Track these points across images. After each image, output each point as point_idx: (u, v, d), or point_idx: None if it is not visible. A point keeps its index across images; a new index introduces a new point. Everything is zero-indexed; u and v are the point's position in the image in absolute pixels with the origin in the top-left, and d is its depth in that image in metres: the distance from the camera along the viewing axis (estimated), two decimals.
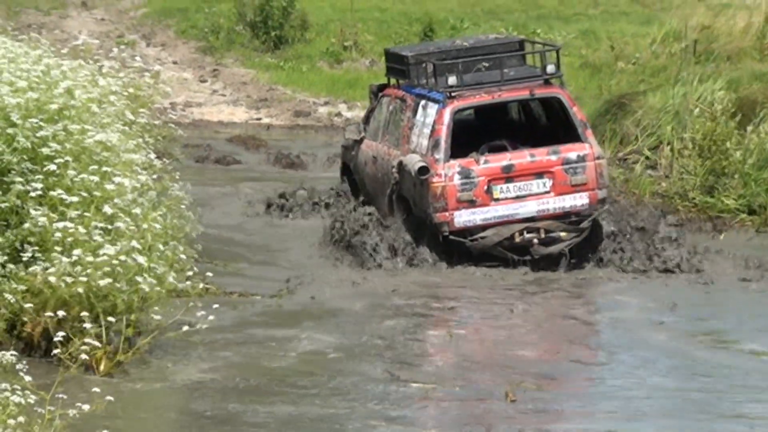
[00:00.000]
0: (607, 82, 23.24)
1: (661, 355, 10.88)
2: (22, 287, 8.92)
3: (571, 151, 13.27)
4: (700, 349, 11.20)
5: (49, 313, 8.86)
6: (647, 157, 17.27)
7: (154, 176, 11.62)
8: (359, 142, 14.91)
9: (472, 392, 9.79)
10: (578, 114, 13.48)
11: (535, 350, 11.29)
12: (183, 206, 10.16)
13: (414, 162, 13.06)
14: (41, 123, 9.27)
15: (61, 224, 8.93)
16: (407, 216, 13.43)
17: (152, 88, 12.69)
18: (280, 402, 9.18)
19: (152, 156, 12.22)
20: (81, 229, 8.84)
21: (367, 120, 15.11)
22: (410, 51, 14.62)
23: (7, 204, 9.08)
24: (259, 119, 22.51)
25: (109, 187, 9.11)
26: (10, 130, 9.06)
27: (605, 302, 12.83)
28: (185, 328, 9.33)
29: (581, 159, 13.25)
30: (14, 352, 7.53)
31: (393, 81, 14.80)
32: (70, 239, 8.95)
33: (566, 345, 11.46)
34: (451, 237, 13.11)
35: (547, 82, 13.59)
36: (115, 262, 8.92)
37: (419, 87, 13.88)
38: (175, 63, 25.82)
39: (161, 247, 9.40)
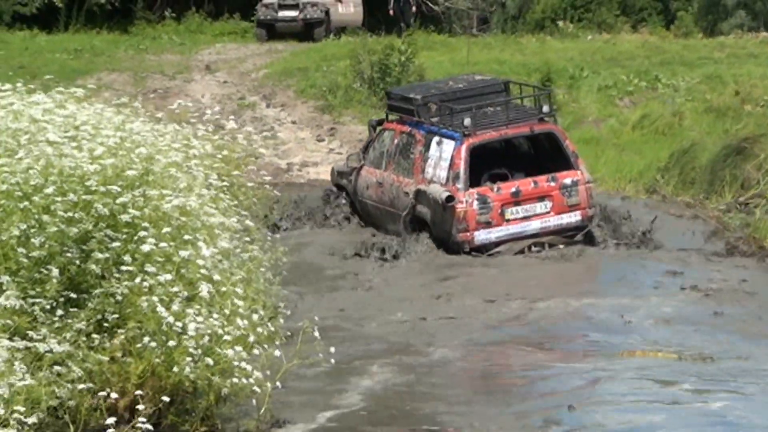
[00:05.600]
0: (733, 126, 22.61)
1: None
2: (105, 358, 8.79)
3: (566, 177, 15.54)
4: None
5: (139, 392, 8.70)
6: None
7: (246, 239, 11.56)
8: (359, 169, 17.09)
9: None
10: (570, 146, 15.77)
11: None
12: (263, 269, 9.98)
13: (440, 192, 15.14)
14: (120, 189, 9.18)
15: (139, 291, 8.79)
16: (425, 233, 15.47)
17: (245, 150, 12.64)
18: None
19: (248, 219, 12.18)
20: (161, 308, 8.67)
21: (365, 150, 17.33)
22: (415, 92, 16.64)
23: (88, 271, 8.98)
24: None
25: (184, 253, 8.95)
26: (87, 197, 8.98)
27: None
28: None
29: (575, 184, 15.57)
30: None
31: (392, 117, 16.96)
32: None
33: None
34: (472, 253, 15.14)
35: (542, 120, 15.76)
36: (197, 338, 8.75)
37: (428, 124, 15.93)
38: (293, 123, 25.87)
39: (242, 311, 9.21)
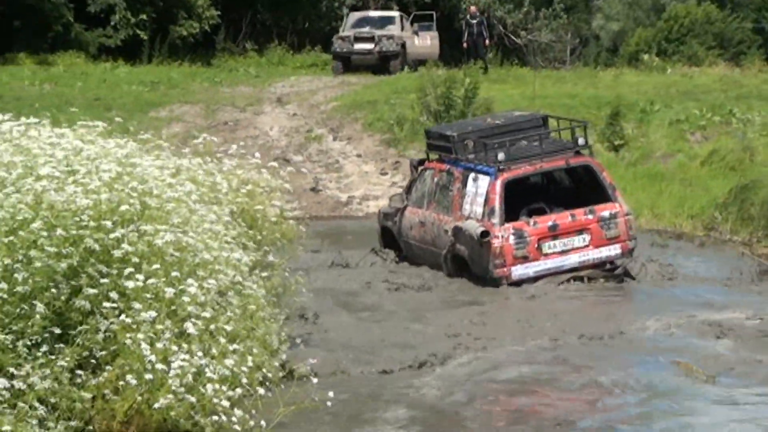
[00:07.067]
0: None
1: None
2: (88, 395, 8.68)
3: (605, 210, 15.32)
4: None
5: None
6: None
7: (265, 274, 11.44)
8: (403, 209, 16.94)
9: None
10: (607, 178, 15.56)
11: None
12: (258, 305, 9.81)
13: (475, 227, 14.97)
14: (113, 224, 9.08)
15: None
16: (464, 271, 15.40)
17: (269, 184, 12.50)
18: None
19: (270, 254, 12.05)
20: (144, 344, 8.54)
21: (408, 190, 17.20)
22: (452, 130, 16.50)
23: (77, 307, 8.88)
24: None
25: (170, 290, 8.81)
26: (75, 231, 8.88)
27: None
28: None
29: (613, 216, 15.32)
30: None
31: (432, 156, 16.87)
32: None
33: None
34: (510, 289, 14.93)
35: (577, 153, 15.64)
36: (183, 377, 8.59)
37: (465, 161, 15.79)
38: (358, 156, 25.78)
39: (233, 348, 9.05)
